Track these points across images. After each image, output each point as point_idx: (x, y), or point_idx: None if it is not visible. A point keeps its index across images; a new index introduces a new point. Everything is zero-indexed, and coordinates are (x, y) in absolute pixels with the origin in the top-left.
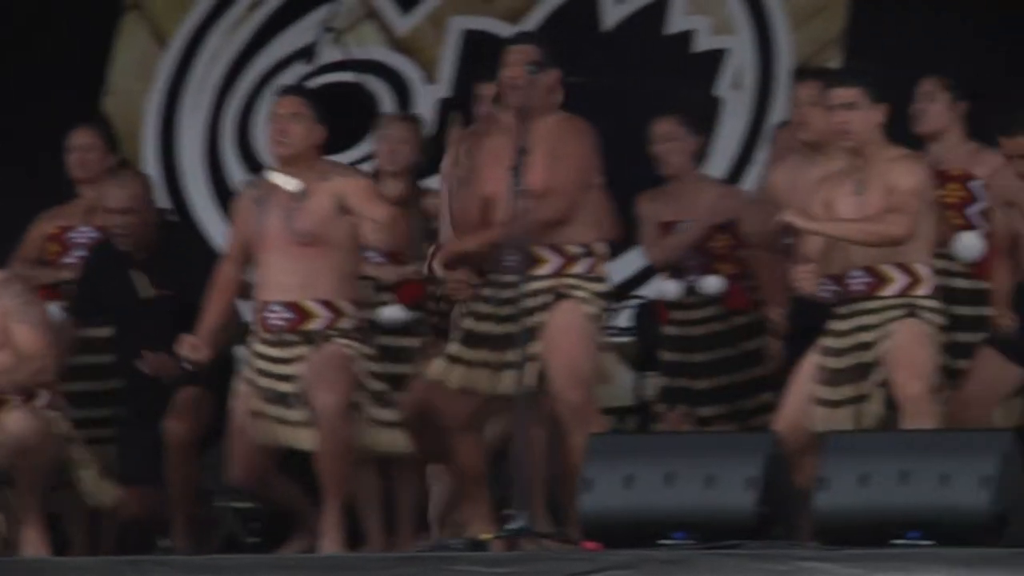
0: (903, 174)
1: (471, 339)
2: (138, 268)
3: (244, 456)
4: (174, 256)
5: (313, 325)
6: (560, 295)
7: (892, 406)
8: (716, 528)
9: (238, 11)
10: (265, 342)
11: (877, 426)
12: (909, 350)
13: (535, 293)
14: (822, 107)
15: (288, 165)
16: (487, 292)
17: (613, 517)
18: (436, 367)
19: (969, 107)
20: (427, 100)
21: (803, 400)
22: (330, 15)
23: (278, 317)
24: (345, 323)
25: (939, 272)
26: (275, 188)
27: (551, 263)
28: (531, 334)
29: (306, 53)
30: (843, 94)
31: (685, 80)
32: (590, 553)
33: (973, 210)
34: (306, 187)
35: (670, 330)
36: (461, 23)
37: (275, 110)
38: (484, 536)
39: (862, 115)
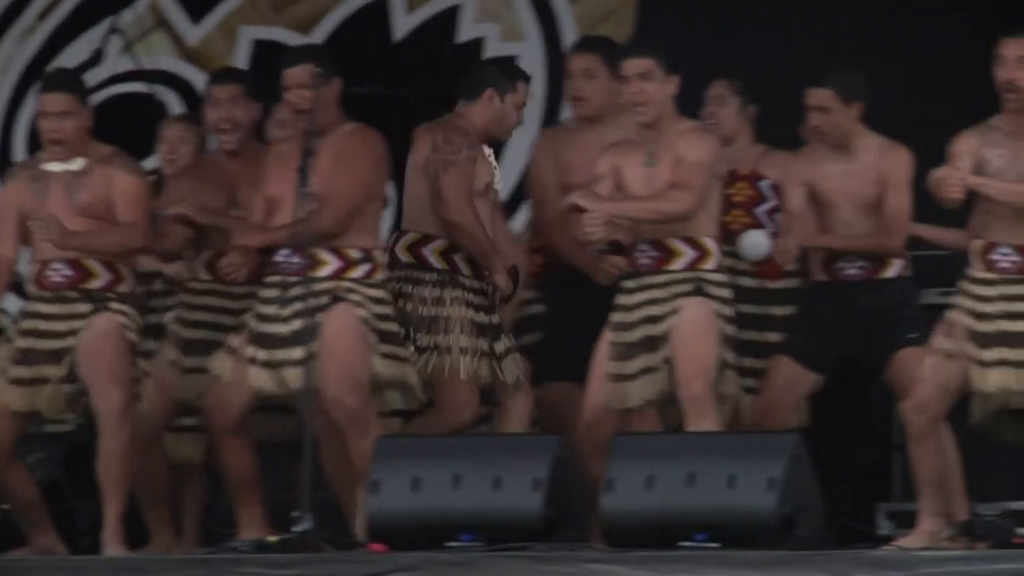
0: (692, 146)
1: (253, 339)
2: None
3: None
4: None
5: (94, 284)
6: (337, 298)
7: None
8: (503, 530)
9: (28, 19)
10: (42, 300)
11: (661, 400)
12: (693, 343)
13: (315, 294)
14: (599, 79)
15: (66, 158)
16: (267, 293)
17: (400, 519)
18: (219, 366)
19: (758, 111)
20: None
21: (603, 380)
22: (120, 22)
23: (58, 274)
24: (124, 287)
25: (726, 270)
26: (53, 171)
27: (330, 265)
28: (312, 334)
29: (96, 59)
30: (637, 64)
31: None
32: (376, 556)
33: (761, 209)
34: (86, 165)
35: None
36: (251, 33)
37: (43, 108)
38: (271, 538)
39: (656, 86)
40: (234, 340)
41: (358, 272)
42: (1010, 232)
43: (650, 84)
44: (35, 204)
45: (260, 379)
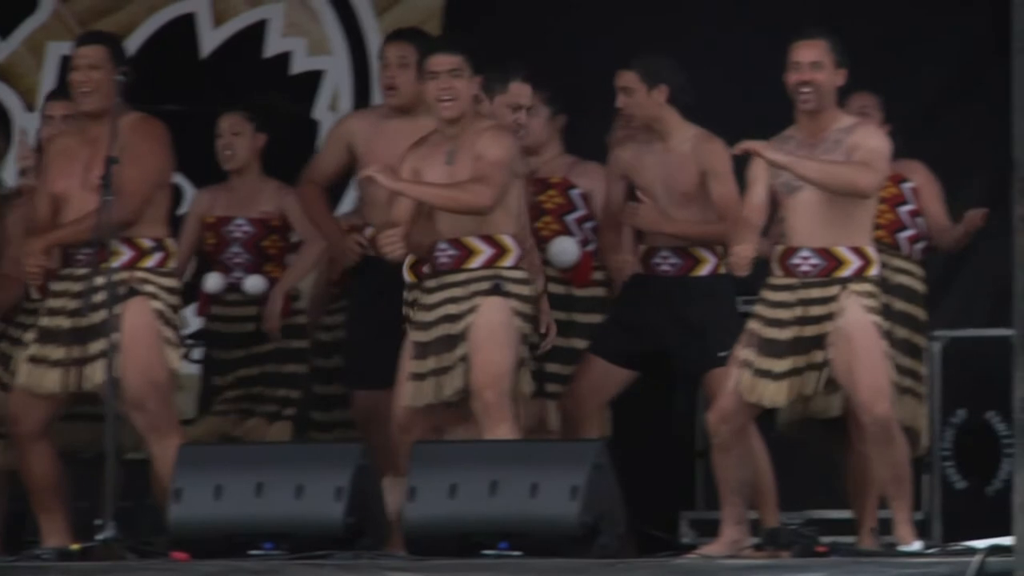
0: (490, 144)
1: (46, 336)
2: None
3: None
4: None
5: None
6: (133, 291)
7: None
8: (306, 538)
9: None
10: None
11: (457, 399)
12: (487, 349)
13: (111, 285)
14: (411, 69)
15: None
16: (59, 287)
17: (203, 527)
18: (21, 370)
19: (566, 120)
20: (29, 128)
21: (406, 380)
22: None
23: None
24: None
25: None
26: None
27: (124, 256)
28: (109, 327)
29: None
30: (446, 60)
31: (283, 102)
32: (178, 564)
33: (571, 217)
34: None
35: (210, 325)
36: (59, 49)
37: None
38: (73, 546)
39: (464, 83)
40: (30, 342)
41: (151, 262)
42: (809, 235)
43: (458, 80)
44: None
45: (54, 380)
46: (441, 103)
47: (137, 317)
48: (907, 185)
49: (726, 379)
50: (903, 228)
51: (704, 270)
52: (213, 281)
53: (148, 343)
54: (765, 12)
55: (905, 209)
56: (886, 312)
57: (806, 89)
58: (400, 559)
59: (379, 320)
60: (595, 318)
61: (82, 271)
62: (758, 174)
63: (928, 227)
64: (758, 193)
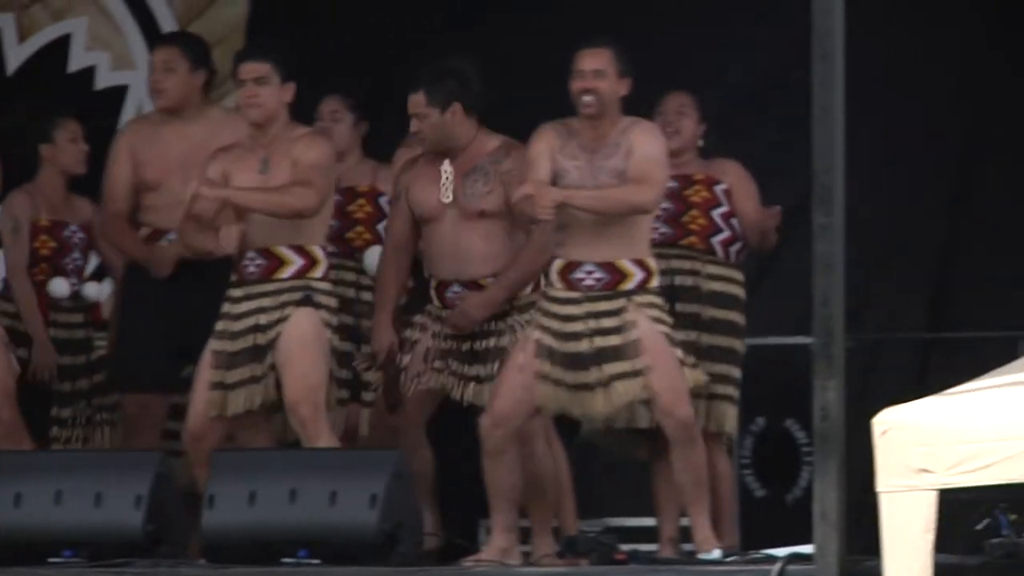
0: (307, 149)
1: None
2: None
3: None
4: None
5: None
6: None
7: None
8: (105, 546)
9: None
10: None
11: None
12: (298, 362)
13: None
14: (175, 72)
15: None
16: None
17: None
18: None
19: (368, 127)
20: None
21: (205, 389)
22: None
23: None
24: None
25: (349, 284)
26: None
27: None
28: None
29: None
30: (253, 68)
31: (89, 117)
32: None
33: (382, 225)
34: None
35: (53, 332)
36: None
37: None
38: None
39: (271, 90)
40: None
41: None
42: (591, 249)
43: (264, 88)
44: None
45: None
46: (247, 108)
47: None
48: (720, 187)
49: (500, 384)
50: (717, 231)
51: None
52: (58, 286)
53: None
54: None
55: (718, 212)
56: (695, 322)
57: (588, 97)
58: (199, 567)
59: (152, 324)
60: None
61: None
62: (541, 150)
63: (743, 228)
64: (544, 169)
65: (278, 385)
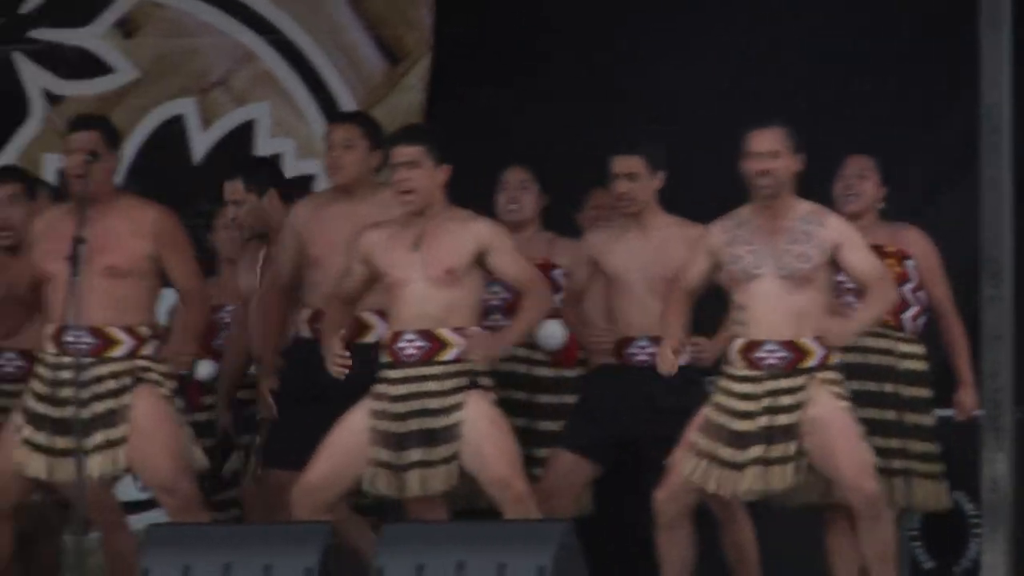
0: (500, 238)
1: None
2: None
3: None
4: None
5: None
6: (139, 379)
7: None
8: None
9: None
10: None
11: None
12: (496, 443)
13: (116, 375)
14: (354, 150)
15: None
16: (47, 373)
17: None
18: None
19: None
20: None
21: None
22: None
23: None
24: None
25: (521, 360)
26: None
27: (125, 345)
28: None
29: None
30: (405, 152)
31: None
32: None
33: (558, 298)
34: None
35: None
36: (54, 161)
37: None
38: None
39: (423, 173)
40: (19, 420)
41: (149, 349)
42: (773, 327)
43: (416, 171)
44: None
45: (44, 467)
46: (399, 195)
47: (151, 404)
48: (910, 263)
49: (677, 459)
50: (907, 307)
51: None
52: (205, 369)
53: (171, 427)
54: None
55: (909, 287)
56: (895, 400)
57: (764, 180)
58: None
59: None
60: None
61: (77, 360)
62: (702, 252)
63: (929, 302)
64: (699, 270)
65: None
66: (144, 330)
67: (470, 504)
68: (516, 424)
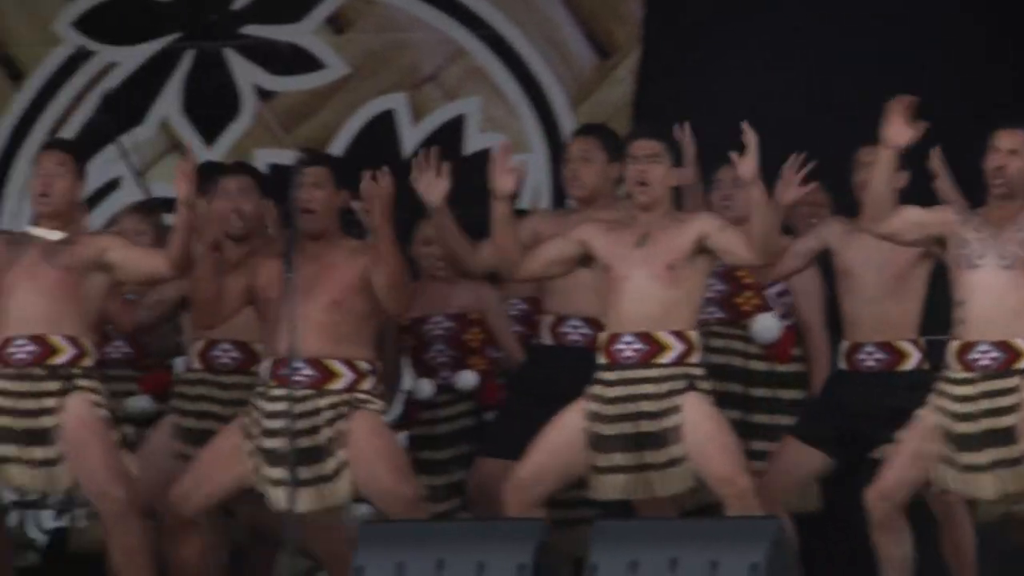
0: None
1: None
2: None
3: None
4: None
5: (59, 359)
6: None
7: None
8: None
9: (38, 138)
10: (5, 377)
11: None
12: (717, 441)
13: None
14: (592, 163)
15: (51, 221)
16: (274, 407)
17: None
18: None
19: None
20: None
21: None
22: (130, 147)
23: (23, 351)
24: (88, 361)
25: (736, 353)
26: (33, 236)
27: (344, 378)
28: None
29: (113, 185)
30: (645, 146)
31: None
32: None
33: (772, 291)
34: (71, 235)
35: (419, 429)
36: (265, 156)
37: (37, 165)
38: None
39: (661, 169)
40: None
41: (368, 383)
42: (988, 326)
43: (655, 167)
44: (5, 263)
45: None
46: (635, 186)
47: (368, 424)
48: None
49: (890, 459)
50: None
51: (909, 364)
52: (424, 388)
53: (388, 441)
54: None
55: None
56: None
57: (999, 179)
58: None
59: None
60: (797, 393)
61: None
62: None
63: None
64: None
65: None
66: (363, 365)
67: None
68: (731, 416)
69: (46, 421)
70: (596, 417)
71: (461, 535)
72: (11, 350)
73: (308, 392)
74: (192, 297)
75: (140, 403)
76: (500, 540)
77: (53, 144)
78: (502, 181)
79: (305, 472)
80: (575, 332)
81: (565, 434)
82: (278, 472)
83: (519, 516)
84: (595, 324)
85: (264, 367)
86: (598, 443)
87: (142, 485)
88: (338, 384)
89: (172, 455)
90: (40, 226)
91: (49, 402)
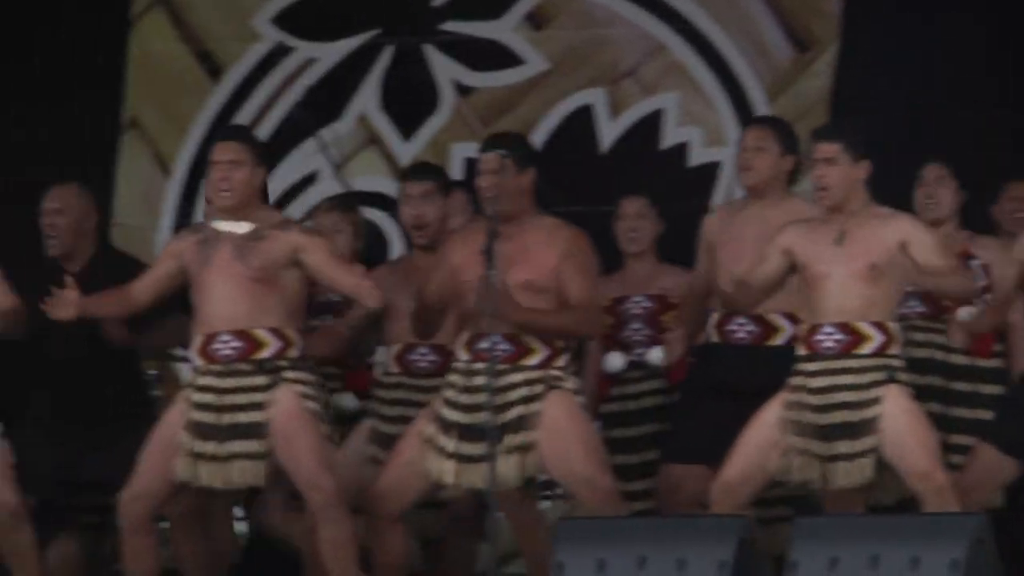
0: (923, 232)
1: (452, 430)
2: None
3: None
4: (107, 270)
5: (263, 353)
6: (551, 387)
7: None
8: None
9: None
10: (211, 374)
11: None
12: (918, 435)
13: (528, 383)
14: (766, 153)
15: (232, 213)
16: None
17: None
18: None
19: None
20: None
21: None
22: (330, 141)
23: (227, 347)
24: (294, 352)
25: (937, 347)
26: (221, 232)
27: (540, 354)
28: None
29: (310, 180)
30: (823, 149)
31: (680, 195)
32: None
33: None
34: (259, 228)
35: (609, 407)
36: (463, 150)
37: (214, 157)
38: None
39: (840, 170)
40: (427, 427)
41: (562, 360)
42: None
43: (833, 168)
44: (199, 262)
45: (457, 474)
46: (817, 192)
47: (563, 405)
48: None
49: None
50: None
51: None
52: (615, 361)
53: (585, 426)
54: None
55: None
56: None
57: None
58: None
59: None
60: (997, 389)
61: (491, 366)
62: None
63: None
64: None
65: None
66: (559, 342)
67: (877, 501)
68: (931, 409)
69: (255, 416)
70: (797, 406)
71: (662, 532)
72: (216, 346)
73: (504, 367)
74: (418, 309)
75: (345, 401)
76: (701, 537)
77: (227, 134)
78: None
79: (471, 448)
80: (741, 329)
81: (766, 431)
82: (463, 446)
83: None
84: (760, 321)
85: (460, 341)
86: (795, 429)
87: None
88: (533, 360)
89: (366, 459)
90: (224, 218)
91: (258, 397)
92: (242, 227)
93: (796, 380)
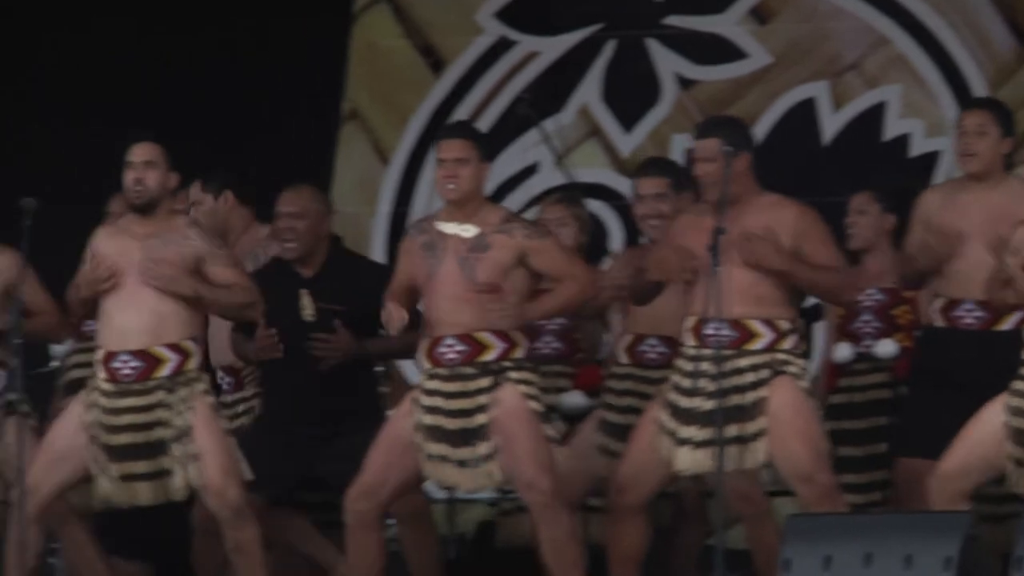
0: None
1: (684, 416)
2: (306, 288)
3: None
4: (341, 273)
5: (488, 356)
6: (777, 372)
7: None
8: None
9: None
10: (438, 377)
11: None
12: None
13: (754, 368)
14: (986, 136)
15: (458, 208)
16: (688, 367)
17: None
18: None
19: None
20: None
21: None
22: (552, 131)
23: (452, 351)
24: (519, 353)
25: None
26: (447, 235)
27: (764, 338)
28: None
29: (530, 171)
30: None
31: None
32: None
33: None
34: (483, 234)
35: (837, 398)
36: (684, 142)
37: (439, 155)
38: None
39: None
40: (660, 414)
41: (789, 343)
42: None
43: None
44: (425, 274)
45: (688, 460)
46: None
47: (789, 394)
48: None
49: None
50: None
51: None
52: (843, 351)
53: (810, 417)
54: None
55: None
56: None
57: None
58: None
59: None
60: None
61: (717, 352)
62: None
63: None
64: None
65: None
66: (784, 324)
67: None
68: None
69: (480, 419)
70: (1018, 412)
71: (887, 528)
72: (441, 350)
73: (730, 352)
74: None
75: (574, 399)
76: (926, 533)
77: (452, 132)
78: None
79: (699, 434)
80: (969, 315)
81: (988, 428)
82: (693, 432)
83: (945, 509)
84: (987, 306)
85: (685, 327)
86: (1018, 437)
87: (568, 478)
88: (758, 344)
89: (597, 449)
90: (449, 218)
91: (482, 399)
92: (467, 230)
93: (1017, 384)
